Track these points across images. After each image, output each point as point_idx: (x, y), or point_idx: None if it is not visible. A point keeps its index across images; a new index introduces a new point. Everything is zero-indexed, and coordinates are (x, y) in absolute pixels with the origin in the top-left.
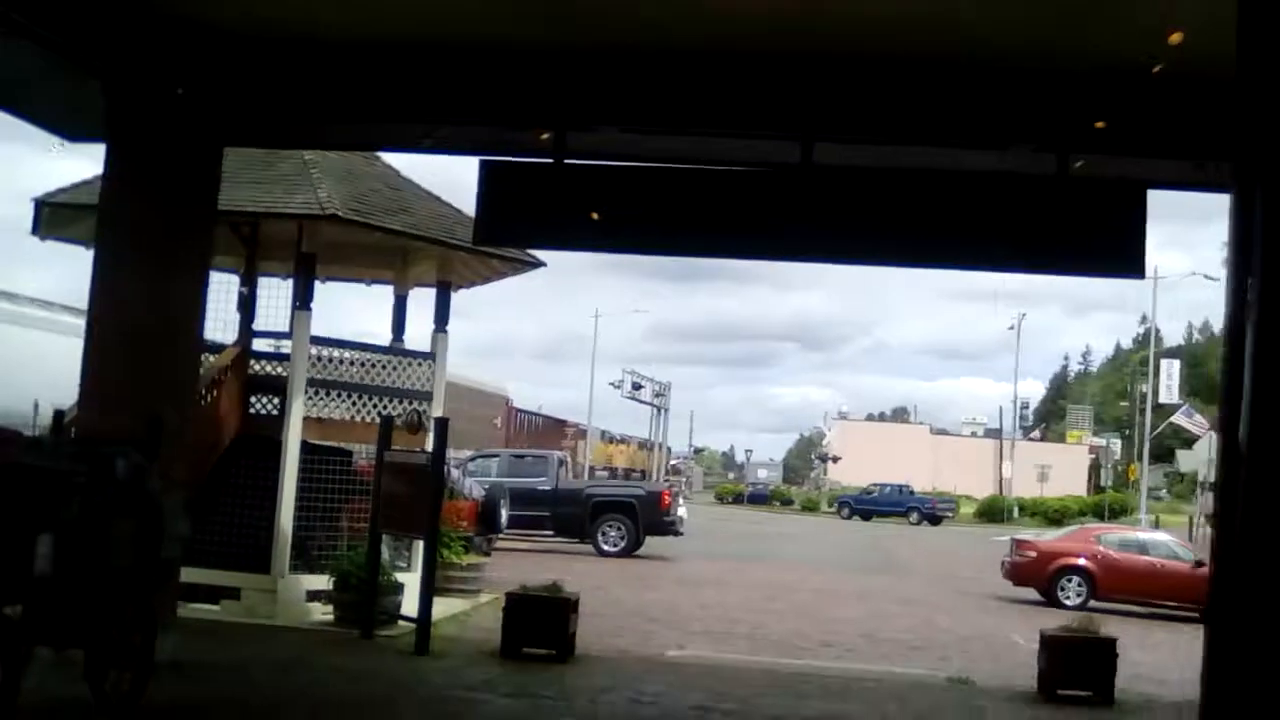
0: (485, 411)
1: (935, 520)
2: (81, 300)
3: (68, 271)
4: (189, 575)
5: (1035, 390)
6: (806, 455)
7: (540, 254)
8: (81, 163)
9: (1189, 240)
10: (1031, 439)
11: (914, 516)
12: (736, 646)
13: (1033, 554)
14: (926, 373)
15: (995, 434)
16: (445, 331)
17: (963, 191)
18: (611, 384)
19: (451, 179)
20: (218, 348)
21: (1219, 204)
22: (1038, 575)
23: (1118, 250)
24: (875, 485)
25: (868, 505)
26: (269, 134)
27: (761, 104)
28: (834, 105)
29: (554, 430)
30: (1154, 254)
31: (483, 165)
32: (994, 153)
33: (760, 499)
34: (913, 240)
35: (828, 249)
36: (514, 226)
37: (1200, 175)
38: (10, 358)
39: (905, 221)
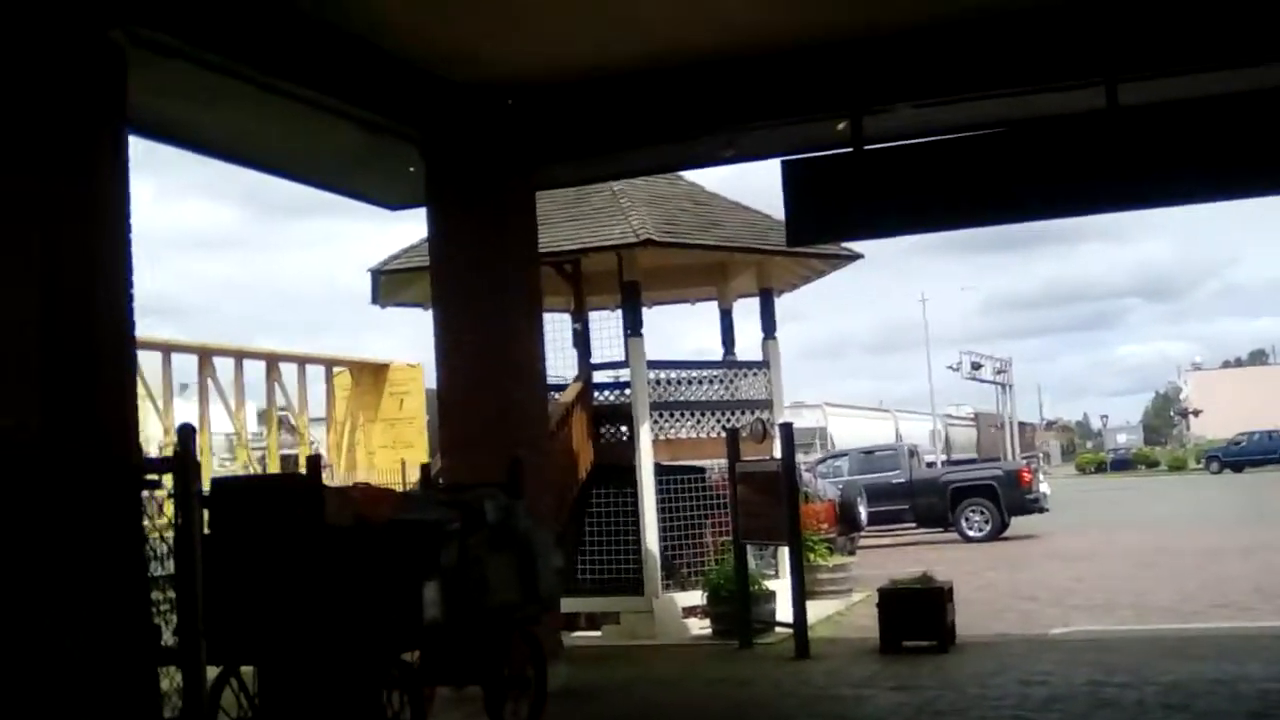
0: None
1: None
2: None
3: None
4: (569, 605)
5: None
6: (1165, 413)
7: (858, 246)
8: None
9: None
10: None
11: None
12: (1121, 617)
13: None
14: None
15: None
16: (774, 338)
17: None
18: (949, 367)
19: (753, 186)
20: (561, 386)
21: None
22: None
23: None
24: (1243, 435)
25: (1237, 456)
26: (576, 172)
27: (1060, 53)
28: (1138, 41)
29: (1027, 431)
30: None
31: (784, 166)
32: None
33: (1123, 465)
34: (1239, 169)
35: (1146, 194)
36: (824, 222)
37: None
38: None
39: (1226, 151)
